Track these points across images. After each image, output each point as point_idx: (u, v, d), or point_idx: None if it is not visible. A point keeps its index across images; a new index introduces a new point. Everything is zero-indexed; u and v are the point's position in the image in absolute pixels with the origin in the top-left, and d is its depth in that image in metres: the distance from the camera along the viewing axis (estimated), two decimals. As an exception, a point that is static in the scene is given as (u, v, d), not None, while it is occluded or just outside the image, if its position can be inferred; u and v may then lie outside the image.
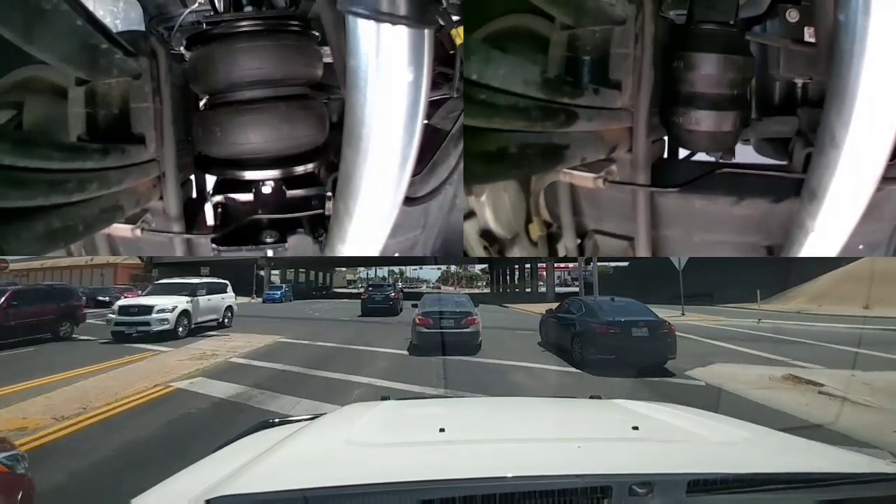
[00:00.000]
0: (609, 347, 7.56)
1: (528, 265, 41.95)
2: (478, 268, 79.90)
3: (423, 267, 75.15)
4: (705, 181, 3.35)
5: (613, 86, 3.18)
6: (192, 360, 8.37)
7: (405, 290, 34.23)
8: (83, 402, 5.50)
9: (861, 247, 3.19)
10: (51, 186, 2.12)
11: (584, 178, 3.33)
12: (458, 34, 2.79)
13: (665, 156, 3.68)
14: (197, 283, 13.37)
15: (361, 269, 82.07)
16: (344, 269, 77.84)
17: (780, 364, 8.01)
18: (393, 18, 2.09)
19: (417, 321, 9.97)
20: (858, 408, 5.21)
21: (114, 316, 11.64)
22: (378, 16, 2.07)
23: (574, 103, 2.90)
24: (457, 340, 9.51)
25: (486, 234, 3.68)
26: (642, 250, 3.48)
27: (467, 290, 57.26)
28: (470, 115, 2.40)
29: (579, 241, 3.75)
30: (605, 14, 3.18)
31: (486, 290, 60.21)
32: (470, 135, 2.49)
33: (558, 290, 37.02)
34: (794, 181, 3.14)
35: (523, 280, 44.18)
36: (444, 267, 76.59)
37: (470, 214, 3.57)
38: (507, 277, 50.06)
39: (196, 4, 3.48)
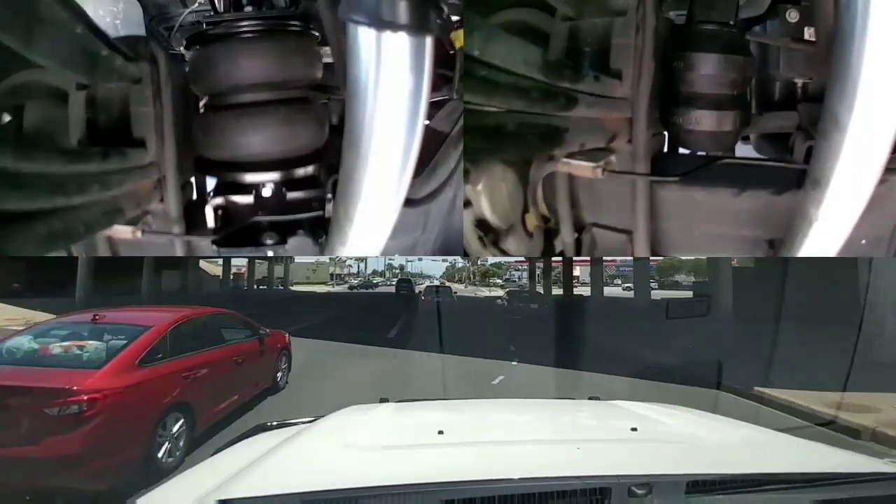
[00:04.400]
0: (520, 311, 18.14)
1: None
2: (490, 261, 66.11)
3: (424, 259, 70.98)
4: (706, 173, 3.34)
5: (614, 75, 3.18)
6: None
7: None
8: None
9: (863, 241, 3.17)
10: (52, 189, 2.12)
11: (583, 168, 3.31)
12: (458, 36, 2.79)
13: (664, 150, 3.66)
14: None
15: (351, 262, 73.81)
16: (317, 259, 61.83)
17: None
18: (394, 27, 2.08)
19: (422, 298, 22.83)
20: None
21: None
22: (379, 24, 2.07)
23: (574, 88, 2.90)
24: (441, 307, 19.07)
25: (482, 224, 3.66)
26: (641, 244, 3.47)
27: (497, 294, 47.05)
28: (470, 93, 2.39)
29: (577, 234, 3.74)
30: (606, 5, 3.18)
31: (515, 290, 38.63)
32: (470, 115, 2.49)
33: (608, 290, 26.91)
34: (797, 172, 3.12)
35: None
36: (448, 262, 73.22)
37: (466, 204, 3.56)
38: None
39: (196, 4, 3.47)
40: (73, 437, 3.30)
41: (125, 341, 4.00)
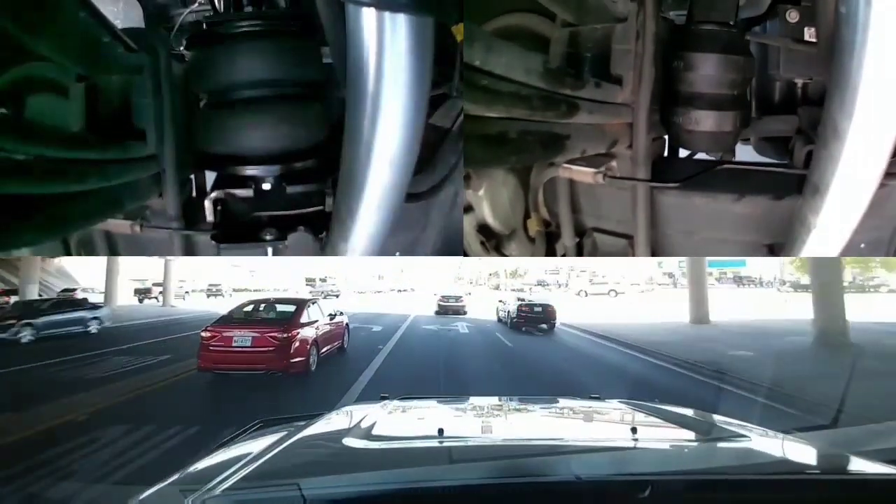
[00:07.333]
0: (522, 316, 16.42)
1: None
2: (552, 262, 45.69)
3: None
4: (706, 178, 3.34)
5: (614, 81, 3.17)
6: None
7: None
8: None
9: (863, 245, 3.18)
10: (49, 174, 2.10)
11: (584, 174, 3.32)
12: (459, 31, 2.79)
13: (665, 155, 3.67)
14: None
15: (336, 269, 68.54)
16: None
17: None
18: (393, 6, 2.09)
19: (440, 301, 23.67)
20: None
21: None
22: (379, 4, 2.07)
23: (575, 95, 2.89)
24: (455, 309, 23.00)
25: (484, 229, 3.67)
26: (642, 249, 3.47)
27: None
28: (471, 102, 2.37)
29: (578, 238, 3.74)
30: (606, 11, 3.18)
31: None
32: (470, 122, 2.47)
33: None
34: (796, 178, 3.12)
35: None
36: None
37: (468, 209, 3.56)
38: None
39: (196, 4, 3.49)
40: (285, 348, 7.67)
41: (292, 310, 8.71)
